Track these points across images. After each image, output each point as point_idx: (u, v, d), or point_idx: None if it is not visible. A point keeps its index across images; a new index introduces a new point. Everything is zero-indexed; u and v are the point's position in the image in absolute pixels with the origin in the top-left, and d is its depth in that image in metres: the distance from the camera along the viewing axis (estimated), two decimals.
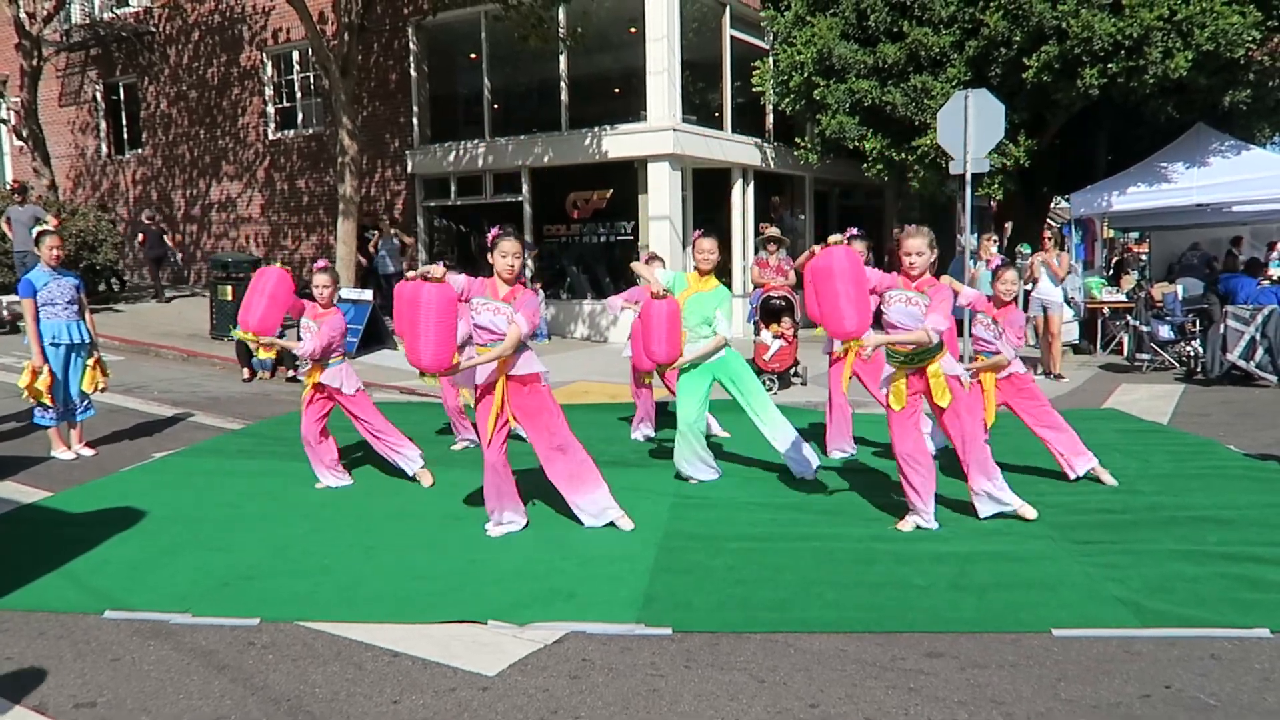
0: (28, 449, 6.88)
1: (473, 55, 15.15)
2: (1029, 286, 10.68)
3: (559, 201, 14.61)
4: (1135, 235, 22.62)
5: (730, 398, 5.85)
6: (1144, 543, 4.51)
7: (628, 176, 13.72)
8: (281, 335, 5.78)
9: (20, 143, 17.17)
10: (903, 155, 12.59)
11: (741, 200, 14.91)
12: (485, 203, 15.06)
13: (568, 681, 3.25)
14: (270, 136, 17.47)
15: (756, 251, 10.21)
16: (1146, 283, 13.32)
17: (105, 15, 19.18)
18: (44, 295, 6.50)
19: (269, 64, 17.36)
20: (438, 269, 4.44)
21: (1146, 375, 10.53)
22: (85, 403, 6.82)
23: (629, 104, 13.76)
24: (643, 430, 7.33)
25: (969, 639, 3.51)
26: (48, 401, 6.54)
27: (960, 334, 8.43)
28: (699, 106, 14.32)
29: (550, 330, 13.84)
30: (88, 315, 6.81)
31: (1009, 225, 17.12)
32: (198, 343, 12.48)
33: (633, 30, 13.52)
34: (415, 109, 15.51)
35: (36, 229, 6.87)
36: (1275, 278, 11.43)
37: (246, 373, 10.40)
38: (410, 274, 4.52)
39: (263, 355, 5.87)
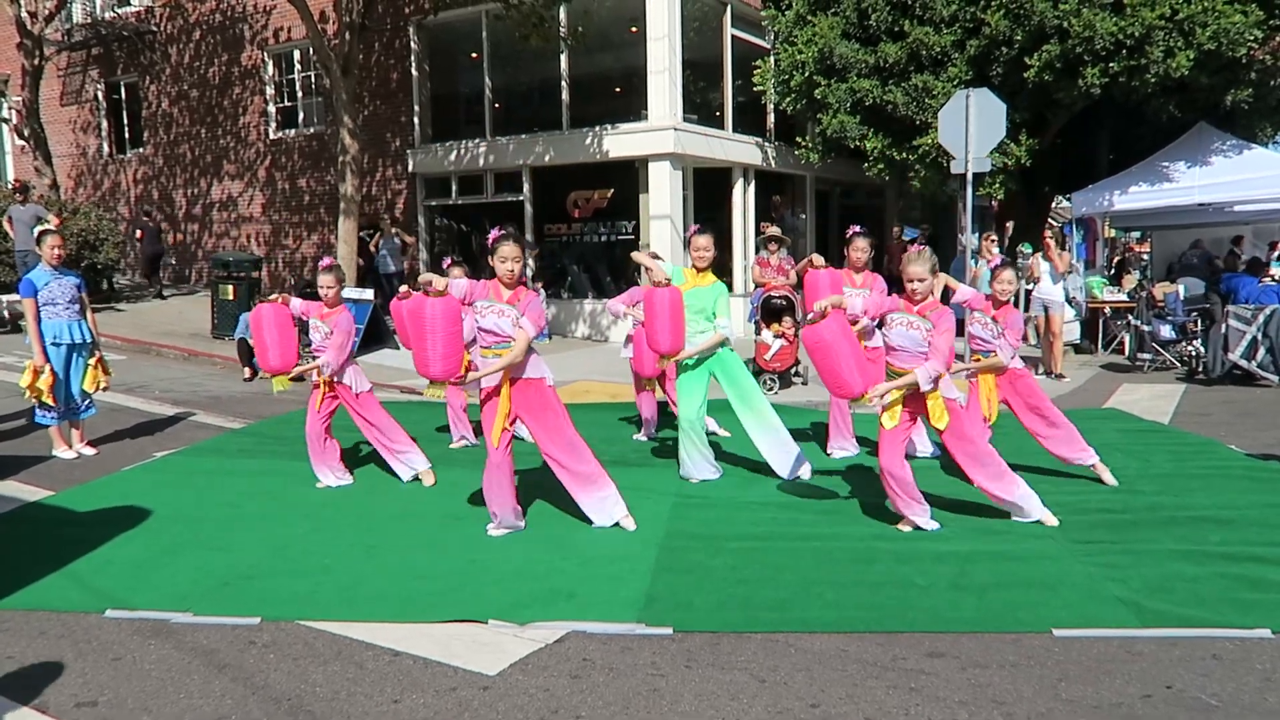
0: (29, 448, 6.88)
1: (474, 54, 15.15)
2: (1030, 286, 10.68)
3: (560, 201, 14.61)
4: (1137, 235, 22.61)
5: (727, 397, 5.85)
6: (1144, 543, 4.51)
7: (629, 176, 13.72)
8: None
9: (22, 142, 17.19)
10: (904, 155, 12.58)
11: (742, 200, 14.90)
12: (486, 202, 15.06)
13: (568, 681, 3.25)
14: (271, 136, 17.48)
15: (757, 251, 10.20)
16: (1148, 282, 13.31)
17: (106, 14, 19.20)
18: (45, 295, 6.50)
19: (270, 63, 17.37)
20: (439, 281, 4.38)
21: (1148, 375, 10.52)
22: (87, 402, 6.83)
23: (630, 103, 13.75)
24: (645, 432, 7.33)
25: (970, 639, 3.51)
26: (49, 401, 6.55)
27: (959, 334, 8.40)
28: (700, 106, 14.31)
29: (551, 330, 13.83)
30: (89, 315, 6.82)
31: (1010, 225, 17.10)
32: (199, 342, 12.49)
33: (634, 29, 13.52)
34: (416, 108, 15.51)
35: (38, 228, 6.89)
36: (1277, 277, 11.39)
37: (248, 372, 10.42)
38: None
39: (288, 385, 5.94)
